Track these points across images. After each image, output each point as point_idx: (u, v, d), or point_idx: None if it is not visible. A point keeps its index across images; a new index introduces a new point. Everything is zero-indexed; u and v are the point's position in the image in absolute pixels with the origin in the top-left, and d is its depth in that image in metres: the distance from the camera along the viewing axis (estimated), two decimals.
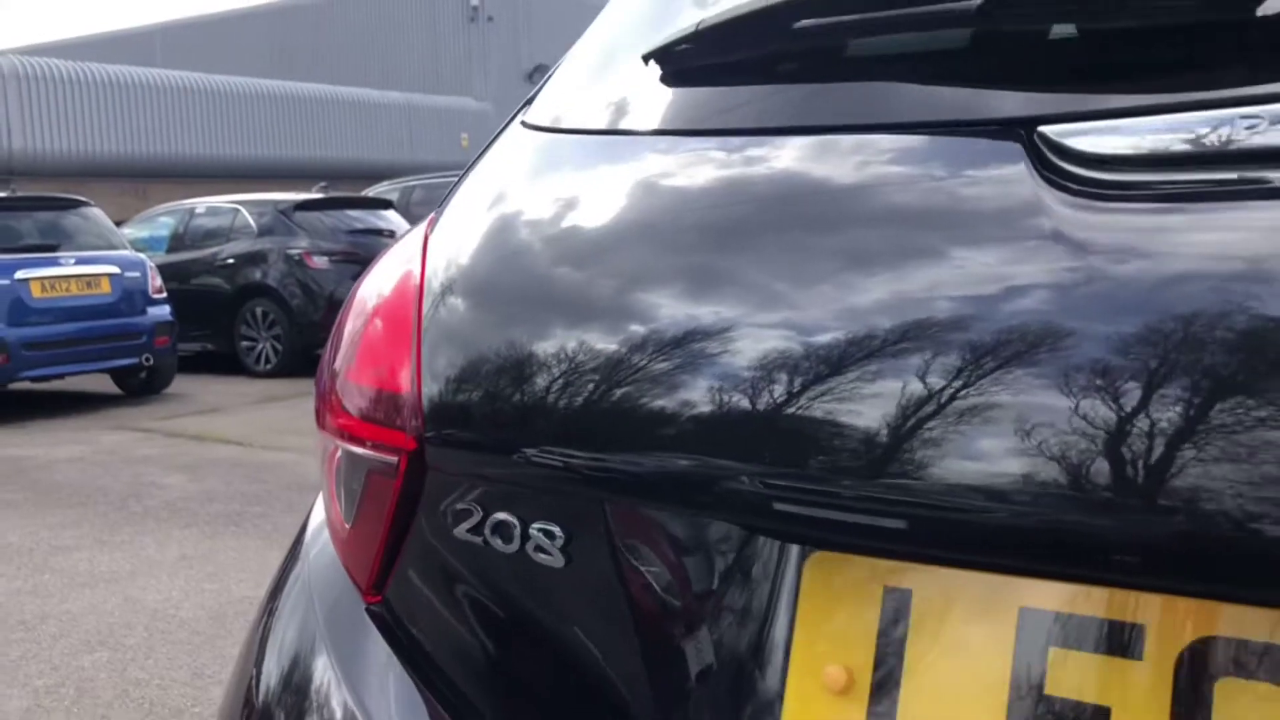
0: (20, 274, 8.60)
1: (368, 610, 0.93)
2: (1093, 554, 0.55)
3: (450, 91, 29.21)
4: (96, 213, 9.65)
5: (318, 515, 1.11)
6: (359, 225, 10.93)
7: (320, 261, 10.36)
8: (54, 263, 8.84)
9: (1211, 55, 0.61)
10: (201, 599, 4.11)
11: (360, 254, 10.03)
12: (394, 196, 13.50)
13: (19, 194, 9.94)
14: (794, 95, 0.78)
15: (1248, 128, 0.56)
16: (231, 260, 10.82)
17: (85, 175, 20.84)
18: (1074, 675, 0.57)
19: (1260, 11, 0.59)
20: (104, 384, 9.67)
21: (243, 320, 10.65)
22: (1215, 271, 0.54)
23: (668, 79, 0.86)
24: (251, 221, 10.95)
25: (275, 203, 11.06)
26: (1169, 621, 0.55)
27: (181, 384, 9.84)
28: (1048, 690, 0.57)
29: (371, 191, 14.53)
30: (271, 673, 1.00)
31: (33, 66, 20.97)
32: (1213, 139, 0.57)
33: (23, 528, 5.26)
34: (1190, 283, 0.54)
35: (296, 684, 0.97)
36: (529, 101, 1.06)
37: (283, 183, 19.18)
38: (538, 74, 24.09)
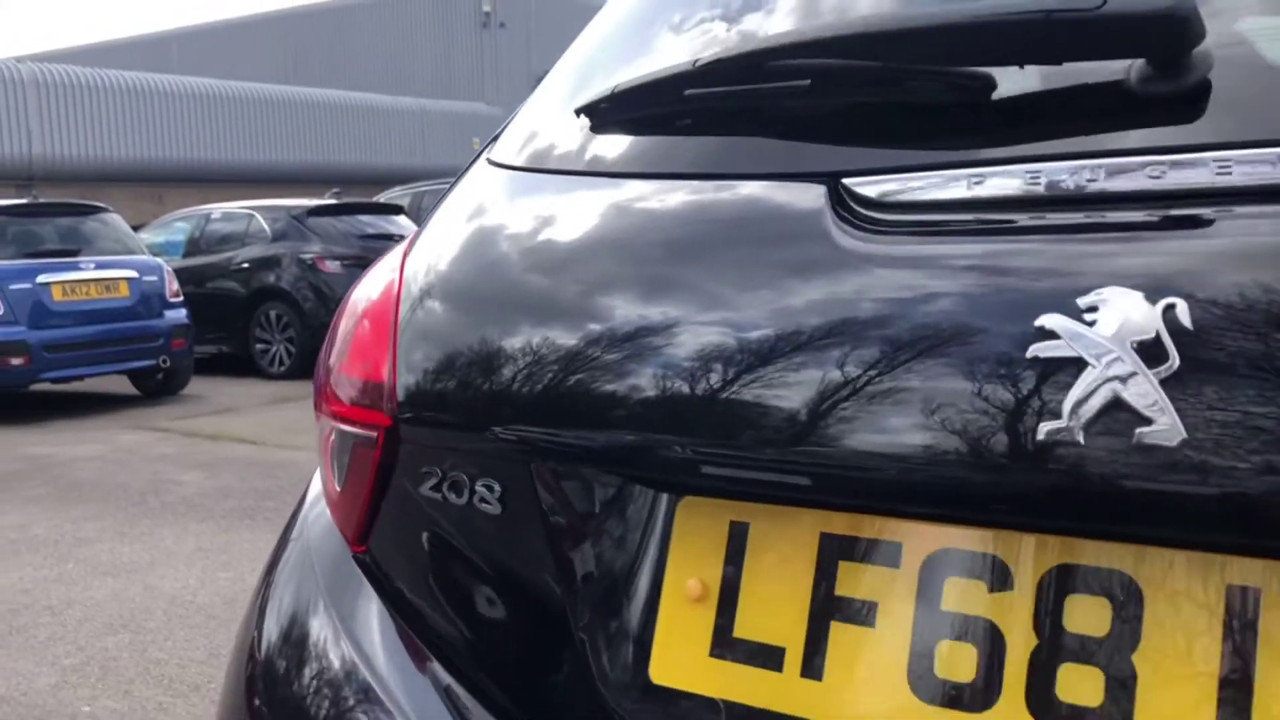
0: (42, 278, 8.85)
1: (355, 558, 1.14)
2: (856, 490, 0.76)
3: (462, 97, 29.50)
4: (115, 218, 9.90)
5: (314, 491, 1.32)
6: (370, 230, 11.16)
7: (332, 266, 10.59)
8: (74, 267, 9.09)
9: (957, 129, 0.83)
10: (216, 586, 4.34)
11: (371, 258, 10.21)
12: (405, 201, 13.74)
13: (41, 200, 10.21)
14: (683, 146, 0.99)
15: (976, 181, 0.77)
16: (246, 264, 11.06)
17: (103, 180, 21.15)
18: (858, 583, 0.78)
19: (994, 96, 0.80)
20: (122, 385, 9.92)
21: (257, 323, 10.90)
22: (952, 284, 0.75)
23: (594, 129, 1.08)
24: (266, 227, 11.19)
25: (289, 208, 11.31)
26: (916, 535, 0.76)
27: (197, 385, 10.09)
28: (838, 591, 0.79)
29: (383, 197, 14.78)
30: (271, 630, 1.21)
31: (52, 73, 21.30)
32: (952, 189, 0.78)
33: (47, 521, 5.50)
34: (939, 291, 0.75)
35: (296, 634, 1.18)
36: (494, 139, 1.28)
37: (297, 187, 19.46)
38: None
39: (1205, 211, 0.69)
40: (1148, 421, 0.63)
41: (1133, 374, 0.64)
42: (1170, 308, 0.65)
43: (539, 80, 1.30)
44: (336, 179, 20.32)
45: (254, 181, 22.54)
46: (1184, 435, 0.63)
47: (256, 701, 1.16)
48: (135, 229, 11.31)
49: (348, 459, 1.14)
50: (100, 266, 9.22)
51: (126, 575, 4.55)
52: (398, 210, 12.08)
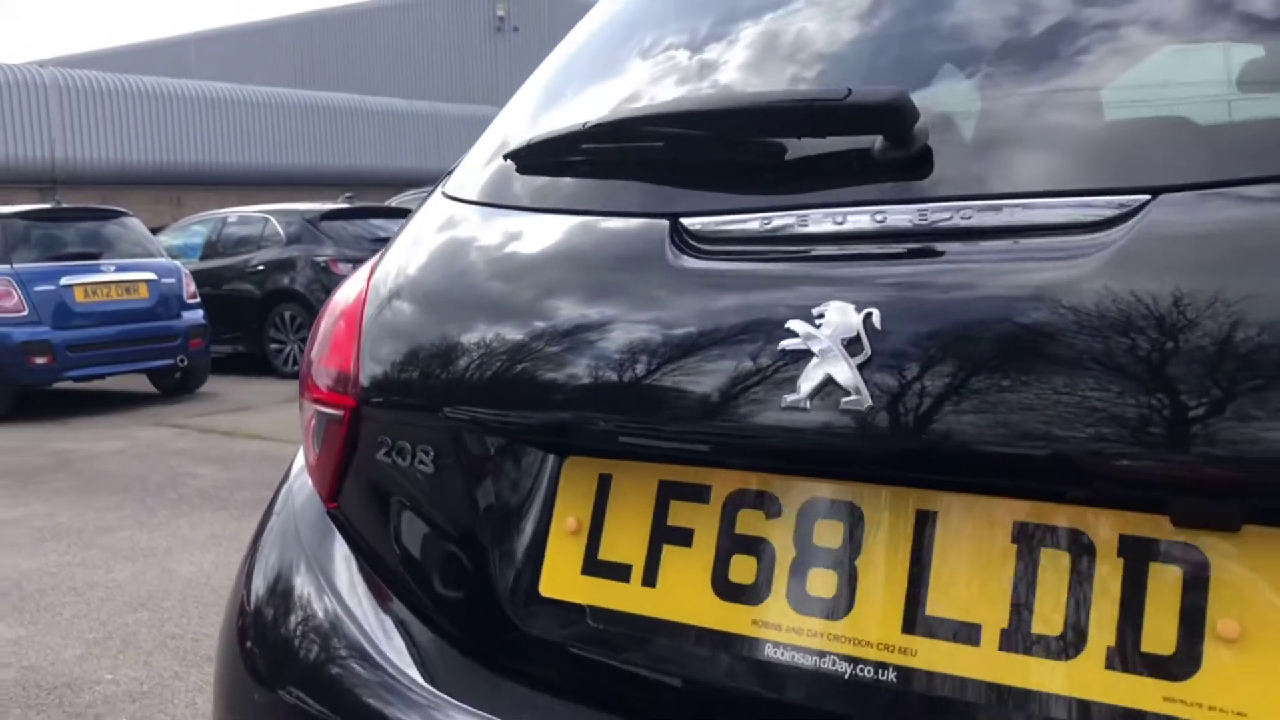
0: (65, 280, 9.19)
1: (329, 514, 1.42)
2: (678, 448, 1.04)
3: (477, 100, 29.84)
4: (135, 223, 10.24)
5: (296, 468, 1.60)
6: (382, 233, 11.46)
7: (345, 268, 10.89)
8: (96, 270, 9.42)
9: (757, 183, 1.10)
10: (230, 570, 4.64)
11: None
12: (415, 205, 14.04)
13: (64, 205, 10.55)
14: (579, 187, 1.27)
15: (765, 221, 1.05)
16: (261, 267, 11.39)
17: (123, 183, 21.55)
18: (681, 516, 1.06)
19: (783, 159, 1.08)
20: (142, 383, 10.26)
21: (271, 324, 11.22)
22: (742, 294, 1.02)
23: (518, 171, 1.35)
24: (280, 230, 11.51)
25: (303, 212, 11.64)
26: (721, 480, 1.04)
27: (214, 384, 10.41)
28: (668, 523, 1.06)
29: (395, 201, 15.11)
30: (258, 585, 1.48)
31: (74, 79, 21.71)
32: (749, 226, 1.06)
33: (71, 510, 5.82)
34: (733, 298, 1.03)
35: (280, 586, 1.45)
36: (449, 174, 1.56)
37: (313, 190, 19.81)
38: None
39: (906, 246, 0.97)
40: (848, 394, 0.91)
41: (840, 361, 0.92)
42: (869, 315, 0.93)
43: None
44: (352, 182, 20.70)
45: (271, 185, 22.91)
46: (870, 403, 0.90)
47: (248, 644, 1.42)
48: (155, 231, 11.65)
49: (322, 434, 1.43)
50: (121, 269, 9.56)
51: (145, 560, 4.86)
52: (407, 214, 12.35)
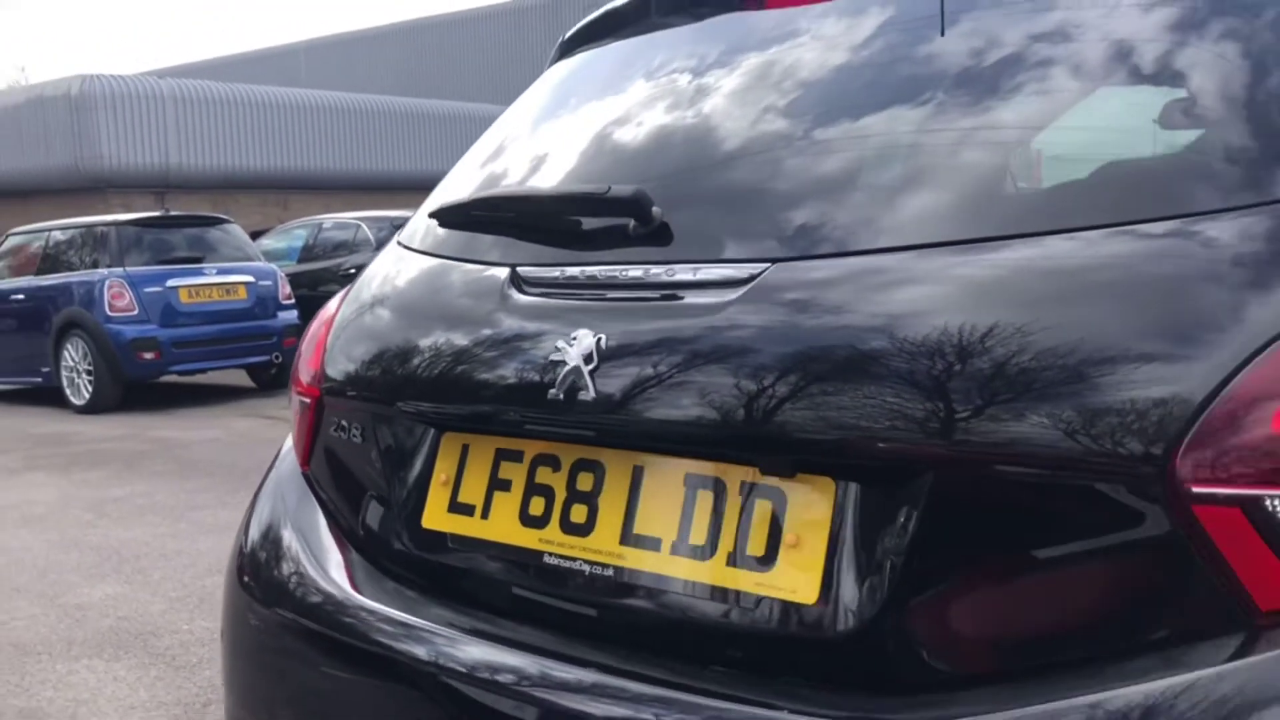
0: (171, 282, 10.02)
1: (303, 475, 1.96)
2: (505, 425, 1.54)
3: None
4: (236, 229, 11.05)
5: (289, 443, 2.13)
6: None
7: None
8: (199, 273, 10.23)
9: (566, 246, 1.59)
10: None
11: None
12: None
13: (172, 213, 11.41)
14: (465, 239, 1.78)
15: (568, 272, 1.55)
16: (353, 270, 12.09)
17: (233, 187, 22.67)
18: (508, 471, 1.56)
19: (579, 229, 1.57)
20: (239, 378, 11.05)
21: None
22: (550, 320, 1.52)
23: (439, 225, 1.87)
24: (371, 235, 12.24)
25: (392, 219, 12.34)
26: (530, 447, 1.54)
27: None
28: (500, 476, 1.57)
29: None
30: (254, 532, 1.99)
31: (188, 89, 22.90)
32: (559, 274, 1.55)
33: (167, 490, 6.52)
34: (545, 324, 1.53)
35: (271, 534, 1.97)
36: (402, 226, 2.10)
37: (412, 194, 20.58)
38: None
39: (633, 292, 1.46)
40: (584, 390, 1.41)
41: (581, 369, 1.42)
42: (599, 339, 1.42)
43: None
44: None
45: (374, 189, 23.89)
46: (593, 396, 1.40)
47: (245, 579, 1.94)
48: (259, 234, 12.46)
49: (300, 415, 1.96)
50: (222, 272, 10.36)
51: (225, 533, 5.50)
52: None
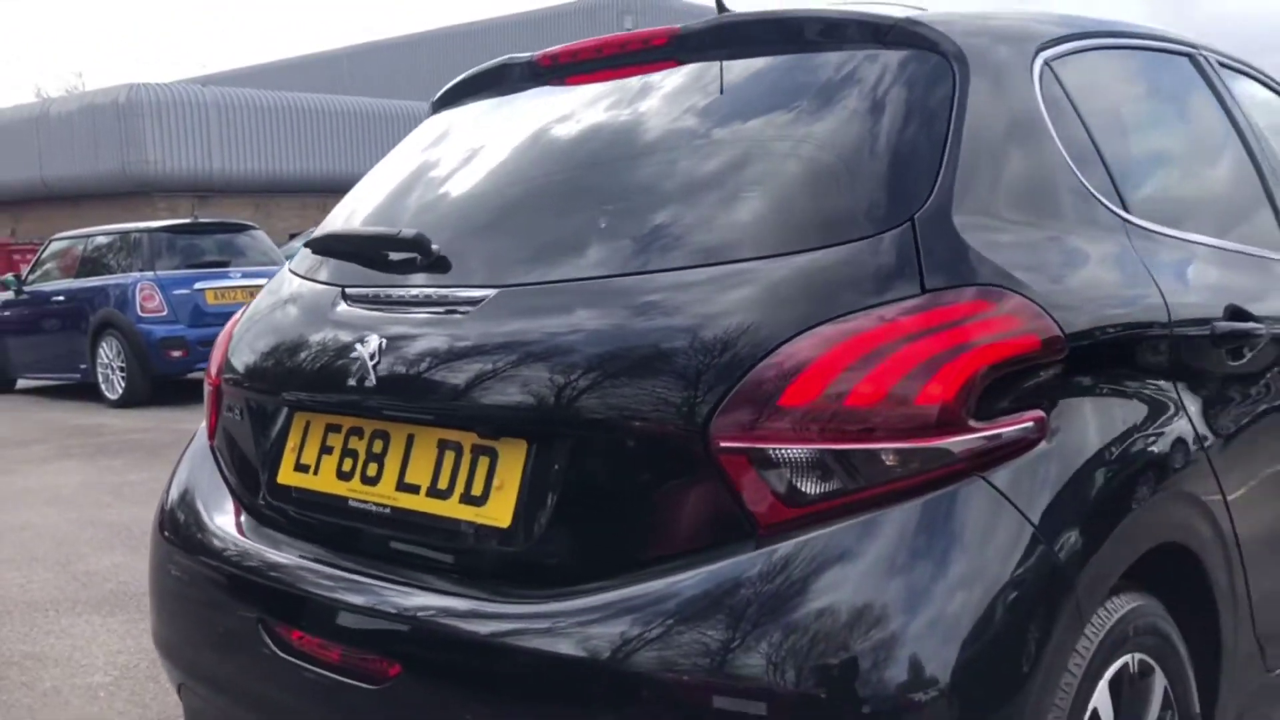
0: (198, 285, 10.68)
1: (210, 447, 2.51)
2: (337, 407, 2.08)
3: None
4: (261, 235, 11.70)
5: (203, 423, 2.68)
6: None
7: None
8: (225, 276, 10.89)
9: (392, 273, 2.12)
10: None
11: None
12: None
13: (200, 220, 12.11)
14: (319, 264, 2.32)
15: (385, 290, 2.09)
16: None
17: (273, 191, 23.49)
18: (328, 439, 2.11)
19: (395, 259, 2.11)
20: None
21: None
22: (373, 327, 2.06)
23: (314, 254, 2.41)
24: None
25: None
26: (343, 420, 2.08)
27: None
28: (326, 443, 2.11)
29: None
30: (173, 492, 2.54)
31: (230, 96, 23.74)
32: (377, 292, 2.09)
33: None
34: (364, 330, 2.07)
35: (187, 495, 2.52)
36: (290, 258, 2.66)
37: None
38: None
39: (415, 307, 1.99)
40: (369, 379, 1.95)
41: (367, 359, 1.96)
42: (383, 341, 1.96)
43: None
44: None
45: None
46: (375, 381, 1.94)
47: (166, 533, 2.50)
48: (293, 237, 13.07)
49: (208, 399, 2.52)
50: (246, 276, 10.99)
51: None
52: None
